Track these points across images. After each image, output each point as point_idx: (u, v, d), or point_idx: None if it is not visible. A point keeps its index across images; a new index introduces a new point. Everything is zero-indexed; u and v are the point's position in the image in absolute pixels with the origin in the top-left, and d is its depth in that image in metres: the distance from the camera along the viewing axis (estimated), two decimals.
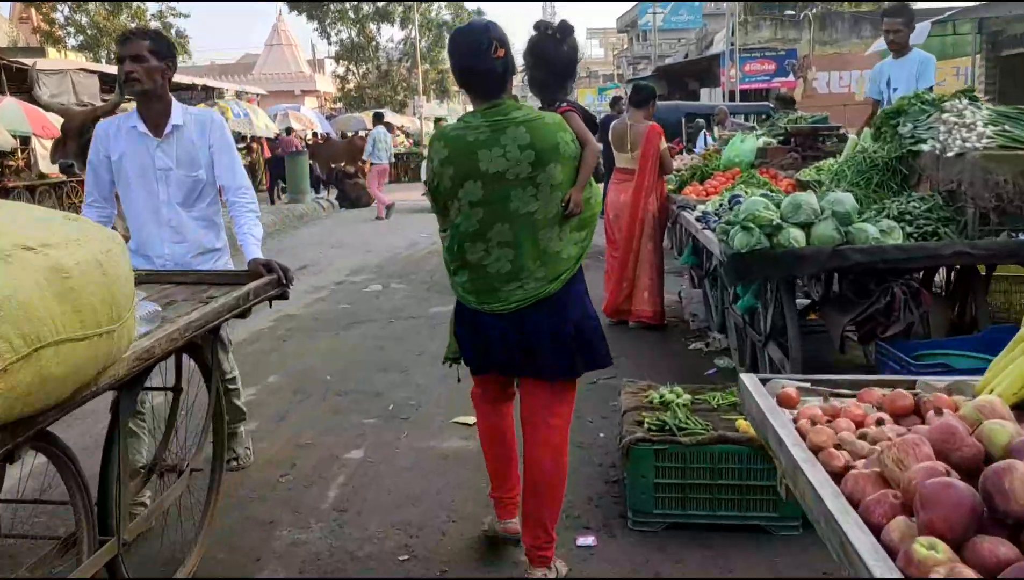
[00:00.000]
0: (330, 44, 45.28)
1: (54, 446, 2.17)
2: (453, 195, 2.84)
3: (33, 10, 30.53)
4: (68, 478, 2.25)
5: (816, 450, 1.50)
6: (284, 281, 3.27)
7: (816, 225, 3.90)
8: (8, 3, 25.55)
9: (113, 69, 13.32)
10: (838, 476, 1.43)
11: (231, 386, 3.96)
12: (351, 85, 45.19)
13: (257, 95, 27.75)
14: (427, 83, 43.38)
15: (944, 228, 3.95)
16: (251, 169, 23.41)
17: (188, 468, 3.07)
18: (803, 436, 1.57)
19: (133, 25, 31.23)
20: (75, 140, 5.02)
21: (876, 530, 1.27)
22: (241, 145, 23.08)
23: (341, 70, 45.94)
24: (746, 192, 5.18)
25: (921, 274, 4.45)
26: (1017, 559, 1.17)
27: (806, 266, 3.86)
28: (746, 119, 15.40)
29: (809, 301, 4.84)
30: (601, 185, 3.39)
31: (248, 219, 3.57)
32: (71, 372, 1.82)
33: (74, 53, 26.29)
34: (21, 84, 14.42)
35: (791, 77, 24.39)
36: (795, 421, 1.65)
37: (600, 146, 3.56)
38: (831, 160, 5.73)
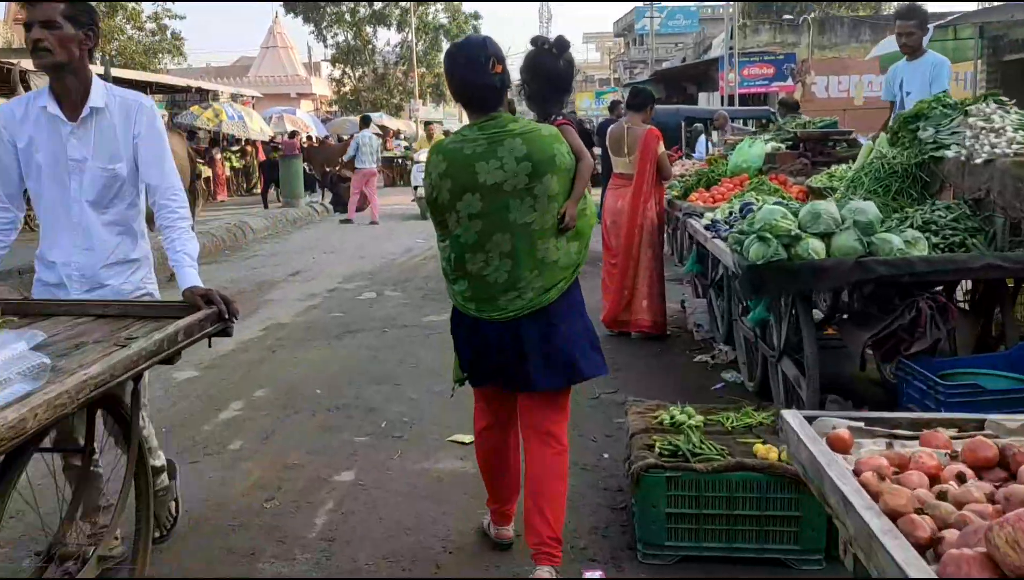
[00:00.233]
0: (326, 47, 45.06)
1: None
2: (452, 208, 2.86)
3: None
4: None
5: (893, 515, 1.26)
6: (227, 316, 2.66)
7: (837, 235, 3.67)
8: (3, 4, 25.22)
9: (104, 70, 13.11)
10: (922, 548, 1.19)
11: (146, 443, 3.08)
12: (347, 88, 44.93)
13: (252, 98, 27.48)
14: (423, 87, 43.17)
15: (972, 239, 3.72)
16: (245, 172, 23.23)
17: (94, 556, 2.42)
18: (872, 494, 1.33)
19: (129, 27, 31.00)
20: None
21: None
22: (235, 148, 22.90)
23: (337, 73, 45.68)
24: (757, 199, 4.96)
25: (940, 287, 4.22)
26: None
27: (827, 279, 3.63)
28: (745, 123, 15.22)
29: (825, 314, 4.61)
30: (597, 192, 3.30)
31: (180, 232, 2.88)
32: None
33: None
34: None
35: (790, 81, 24.22)
36: (857, 473, 1.41)
37: (597, 150, 3.48)
38: (843, 166, 5.52)
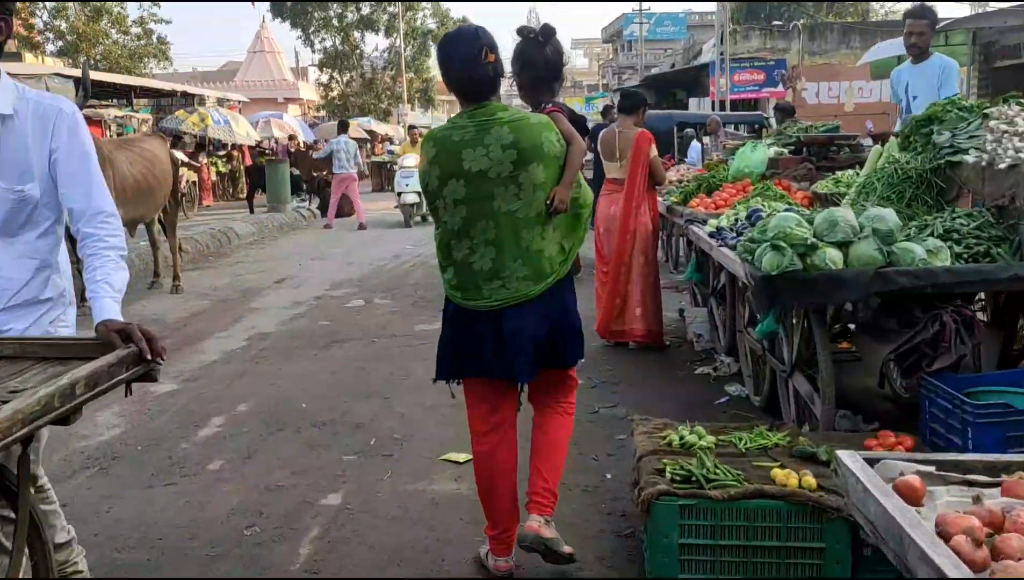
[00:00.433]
0: (314, 52, 44.85)
1: None
2: (439, 194, 2.91)
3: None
4: None
5: None
6: (149, 357, 2.08)
7: (855, 244, 3.46)
8: None
9: (92, 75, 12.75)
10: None
11: (44, 503, 2.62)
12: (335, 93, 44.66)
13: (239, 102, 27.15)
14: (411, 92, 42.96)
15: (996, 248, 3.52)
16: (231, 177, 22.91)
17: None
18: (967, 562, 1.11)
19: (114, 31, 30.62)
20: None
21: None
22: (222, 152, 22.57)
23: (325, 78, 45.42)
24: (764, 205, 4.76)
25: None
26: None
27: (846, 291, 3.41)
28: (737, 128, 15.05)
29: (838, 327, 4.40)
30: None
31: (105, 260, 2.34)
32: None
33: (52, 59, 25.60)
34: None
35: (781, 87, 24.13)
36: (944, 536, 1.19)
37: (586, 147, 3.38)
38: (850, 171, 5.33)
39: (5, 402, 1.72)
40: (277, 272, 10.56)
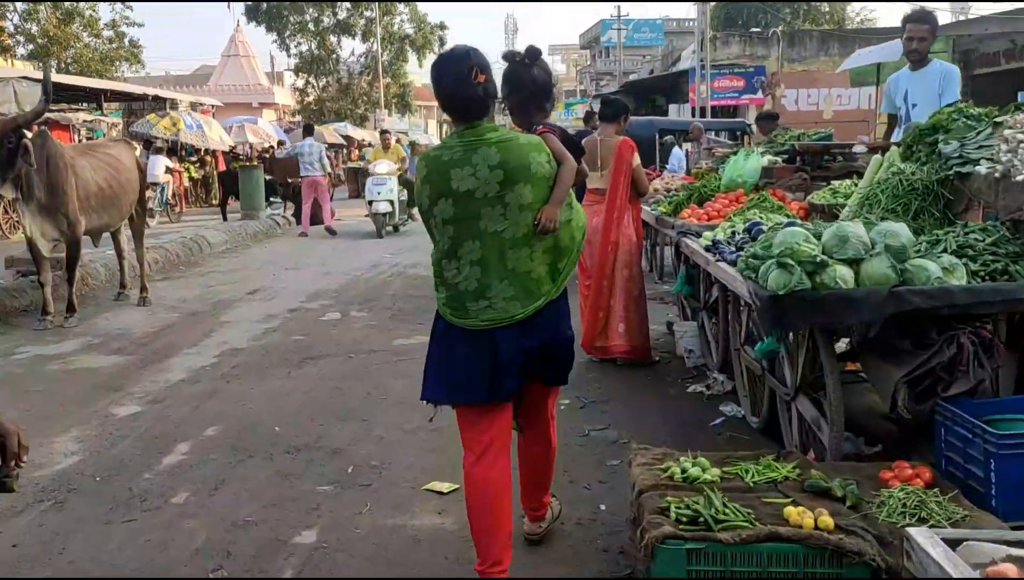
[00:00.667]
0: (289, 56, 44.41)
1: None
2: (431, 213, 2.93)
3: None
4: None
5: None
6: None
7: (867, 262, 3.24)
8: None
9: (60, 79, 12.32)
10: None
11: None
12: (311, 98, 44.23)
13: (212, 107, 26.70)
14: (389, 97, 42.60)
15: (1015, 265, 3.31)
16: (205, 182, 22.47)
17: None
18: None
19: (86, 35, 30.03)
20: None
21: None
22: (194, 158, 22.14)
23: (300, 83, 44.96)
24: (762, 218, 4.54)
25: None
26: None
27: (857, 312, 3.19)
28: (718, 135, 14.90)
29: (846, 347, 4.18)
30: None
31: None
32: None
33: (22, 63, 25.03)
34: None
35: (760, 94, 24.10)
36: None
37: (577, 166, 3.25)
38: (847, 181, 5.12)
39: None
40: (250, 283, 10.22)
